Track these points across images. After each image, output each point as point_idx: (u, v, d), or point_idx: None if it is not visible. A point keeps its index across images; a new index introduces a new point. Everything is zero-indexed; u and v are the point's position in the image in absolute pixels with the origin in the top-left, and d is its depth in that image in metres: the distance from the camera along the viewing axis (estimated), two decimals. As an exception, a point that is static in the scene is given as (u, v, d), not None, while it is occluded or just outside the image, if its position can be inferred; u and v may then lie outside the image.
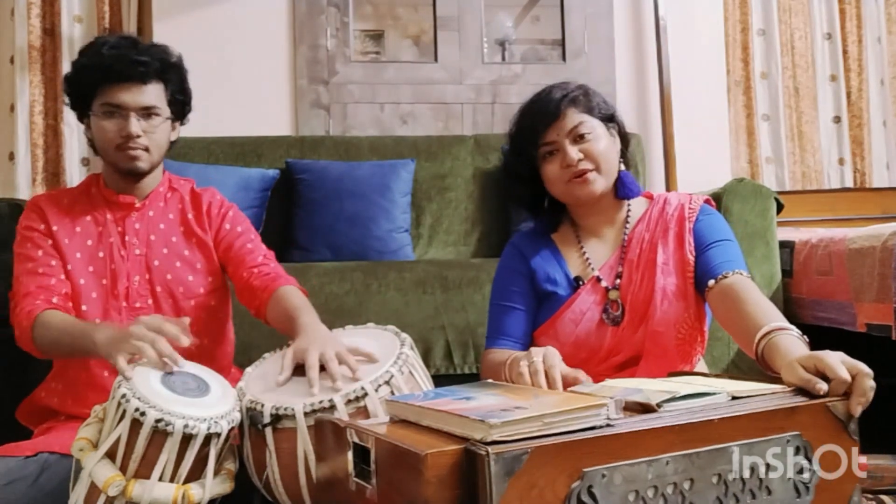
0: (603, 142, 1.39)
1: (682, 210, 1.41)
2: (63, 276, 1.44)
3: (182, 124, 1.58)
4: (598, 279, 1.41)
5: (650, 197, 1.48)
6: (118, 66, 1.42)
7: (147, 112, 1.45)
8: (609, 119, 1.43)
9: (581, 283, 1.41)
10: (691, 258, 1.37)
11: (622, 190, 1.44)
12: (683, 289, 1.36)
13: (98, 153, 1.53)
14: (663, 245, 1.39)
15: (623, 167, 1.45)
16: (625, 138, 1.46)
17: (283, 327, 1.40)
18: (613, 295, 1.39)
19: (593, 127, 1.39)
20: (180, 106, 1.53)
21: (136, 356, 1.17)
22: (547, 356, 1.13)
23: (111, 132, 1.44)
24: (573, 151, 1.37)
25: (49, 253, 1.46)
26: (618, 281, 1.40)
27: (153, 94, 1.46)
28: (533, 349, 1.15)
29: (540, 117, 1.40)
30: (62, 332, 1.34)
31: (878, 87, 3.37)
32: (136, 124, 1.43)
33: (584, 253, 1.44)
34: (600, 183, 1.39)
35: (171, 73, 1.49)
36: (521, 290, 1.44)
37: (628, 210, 1.45)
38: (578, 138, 1.38)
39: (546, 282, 1.43)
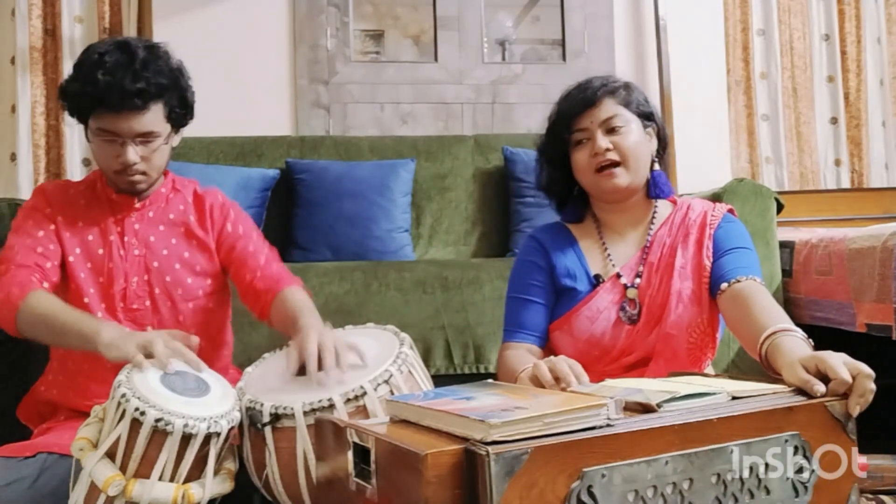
0: (634, 137, 1.38)
1: (704, 216, 1.42)
2: (57, 264, 1.42)
3: (184, 127, 1.55)
4: (619, 276, 1.41)
5: (674, 202, 1.48)
6: (114, 97, 1.35)
7: (145, 138, 1.40)
8: (647, 117, 1.43)
9: (601, 280, 1.41)
10: (708, 263, 1.37)
11: (654, 190, 1.43)
12: (699, 294, 1.36)
13: None
14: (683, 249, 1.39)
15: (657, 167, 1.44)
16: (662, 140, 1.46)
17: (285, 329, 1.40)
18: (631, 293, 1.39)
19: (627, 121, 1.39)
20: (181, 117, 1.49)
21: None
22: (569, 362, 1.12)
23: (108, 157, 1.41)
24: (603, 141, 1.37)
25: (49, 236, 1.43)
26: (637, 280, 1.40)
27: (152, 119, 1.40)
28: (552, 358, 1.14)
29: (576, 103, 1.40)
30: (60, 314, 1.31)
31: (878, 88, 3.37)
32: (132, 152, 1.39)
33: (607, 250, 1.44)
34: (624, 178, 1.38)
35: (171, 92, 1.43)
36: (540, 284, 1.43)
37: (654, 212, 1.45)
38: (610, 129, 1.38)
39: (565, 276, 1.42)
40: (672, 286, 1.36)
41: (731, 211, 1.45)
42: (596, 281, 1.41)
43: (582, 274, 1.42)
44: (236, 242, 1.54)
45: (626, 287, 1.40)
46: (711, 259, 1.38)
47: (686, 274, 1.37)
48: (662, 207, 1.46)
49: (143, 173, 1.43)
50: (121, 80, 1.35)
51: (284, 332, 1.40)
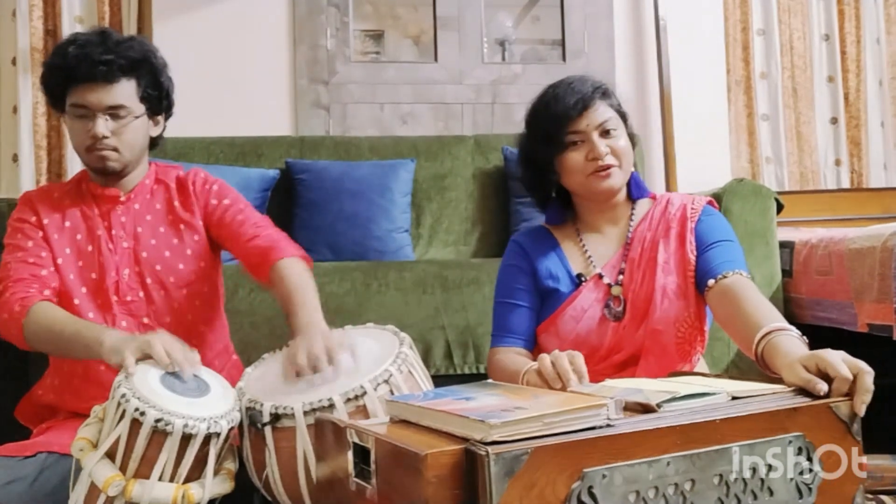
0: (624, 139, 1.40)
1: (684, 210, 1.42)
2: (53, 269, 1.43)
3: (167, 118, 1.55)
4: (601, 276, 1.41)
5: (653, 197, 1.49)
6: (82, 67, 1.39)
7: (115, 112, 1.42)
8: (625, 118, 1.44)
9: (583, 280, 1.42)
10: (692, 257, 1.38)
11: (637, 191, 1.46)
12: (684, 288, 1.37)
13: None
14: (665, 244, 1.39)
15: (634, 168, 1.46)
16: (633, 143, 1.46)
17: (284, 308, 1.39)
18: (616, 290, 1.40)
19: (618, 123, 1.40)
20: (156, 101, 1.49)
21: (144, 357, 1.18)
22: (571, 357, 1.11)
23: (80, 134, 1.42)
24: (602, 145, 1.37)
25: (39, 244, 1.44)
26: (620, 277, 1.40)
27: (121, 92, 1.42)
28: (556, 352, 1.14)
29: (572, 105, 1.38)
30: (64, 327, 1.32)
31: (877, 88, 3.37)
32: (102, 125, 1.40)
33: (586, 250, 1.45)
34: (620, 178, 1.39)
35: (142, 69, 1.45)
36: (524, 288, 1.44)
37: (632, 209, 1.46)
38: (605, 133, 1.38)
39: (548, 279, 1.43)
40: (656, 281, 1.37)
41: (710, 203, 1.45)
42: (578, 280, 1.42)
43: (564, 275, 1.43)
44: (224, 214, 1.53)
45: (609, 285, 1.40)
46: (695, 253, 1.38)
47: (669, 269, 1.38)
48: (640, 204, 1.47)
49: (115, 150, 1.43)
50: (90, 52, 1.40)
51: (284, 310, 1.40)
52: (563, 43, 3.21)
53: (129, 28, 2.87)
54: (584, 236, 1.46)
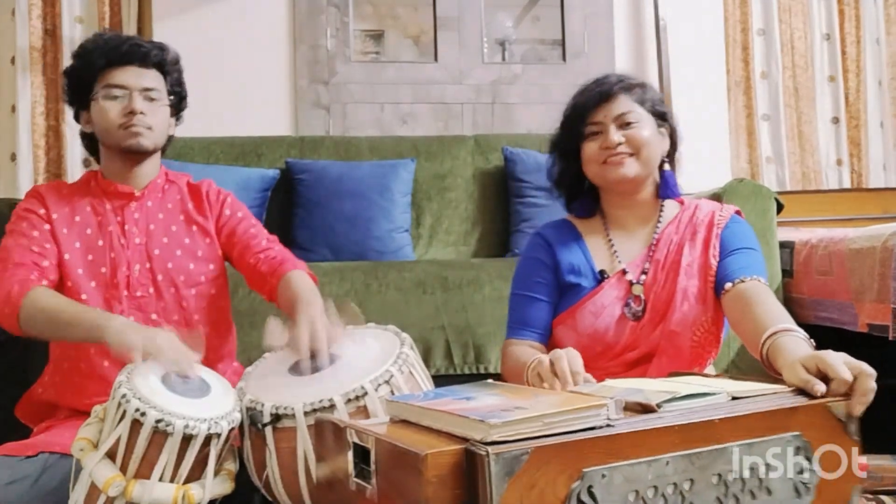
0: (647, 131, 1.40)
1: (712, 216, 1.43)
2: (55, 263, 1.43)
3: (178, 122, 1.60)
4: (624, 272, 1.41)
5: (681, 202, 1.49)
6: (123, 47, 1.47)
7: (149, 93, 1.48)
8: (661, 117, 1.44)
9: (606, 276, 1.42)
10: (714, 262, 1.38)
11: (664, 190, 1.45)
12: (704, 292, 1.37)
13: (92, 153, 1.55)
14: (690, 248, 1.40)
15: (668, 167, 1.46)
16: (674, 142, 1.47)
17: (290, 315, 1.40)
18: (637, 290, 1.40)
19: (641, 116, 1.40)
20: (178, 100, 1.56)
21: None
22: (570, 357, 1.12)
23: (114, 112, 1.46)
24: (616, 135, 1.38)
25: (45, 236, 1.45)
26: (643, 277, 1.41)
27: (154, 77, 1.50)
28: (556, 351, 1.14)
29: (592, 96, 1.41)
30: (64, 308, 1.32)
31: (877, 89, 3.37)
32: (139, 101, 1.46)
33: (613, 246, 1.45)
34: (633, 167, 1.39)
35: (170, 66, 1.54)
36: (544, 282, 1.45)
37: (661, 211, 1.46)
38: (624, 125, 1.39)
39: (570, 273, 1.43)
40: (678, 284, 1.37)
41: (738, 212, 1.46)
42: (601, 276, 1.42)
43: (587, 270, 1.43)
44: (236, 226, 1.56)
45: (631, 283, 1.40)
46: (718, 258, 1.39)
47: (692, 272, 1.38)
48: (670, 207, 1.47)
49: (149, 128, 1.47)
50: (126, 38, 1.51)
51: (290, 318, 1.41)
52: (563, 43, 3.21)
53: (129, 28, 2.87)
54: (612, 232, 1.47)
